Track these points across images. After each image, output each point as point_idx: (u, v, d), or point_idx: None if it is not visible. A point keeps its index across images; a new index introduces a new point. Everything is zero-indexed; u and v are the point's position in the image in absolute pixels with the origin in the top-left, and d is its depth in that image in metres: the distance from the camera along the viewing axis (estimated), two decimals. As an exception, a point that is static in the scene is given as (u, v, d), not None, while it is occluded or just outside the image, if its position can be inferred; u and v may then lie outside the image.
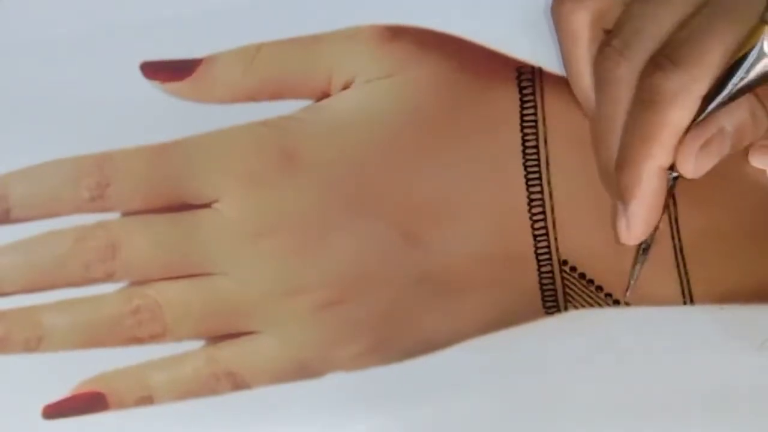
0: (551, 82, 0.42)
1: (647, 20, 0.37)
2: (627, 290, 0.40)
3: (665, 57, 0.36)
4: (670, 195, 0.39)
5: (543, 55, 0.42)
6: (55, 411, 0.40)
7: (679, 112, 0.36)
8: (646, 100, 0.36)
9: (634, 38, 0.37)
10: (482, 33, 0.43)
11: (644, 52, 0.37)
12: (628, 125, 0.37)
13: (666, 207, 0.39)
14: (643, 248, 0.40)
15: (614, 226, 0.39)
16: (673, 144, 0.37)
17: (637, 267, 0.40)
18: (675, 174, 0.38)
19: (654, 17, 0.37)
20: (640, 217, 0.38)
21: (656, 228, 0.39)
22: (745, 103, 0.36)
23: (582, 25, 0.39)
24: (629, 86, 0.37)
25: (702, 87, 0.36)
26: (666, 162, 0.37)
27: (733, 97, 0.36)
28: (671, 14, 0.37)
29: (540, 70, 0.43)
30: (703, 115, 0.36)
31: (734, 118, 0.36)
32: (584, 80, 0.40)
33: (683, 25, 0.36)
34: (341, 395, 0.39)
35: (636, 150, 0.37)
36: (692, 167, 0.37)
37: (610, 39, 0.38)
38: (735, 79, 0.36)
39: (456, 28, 0.43)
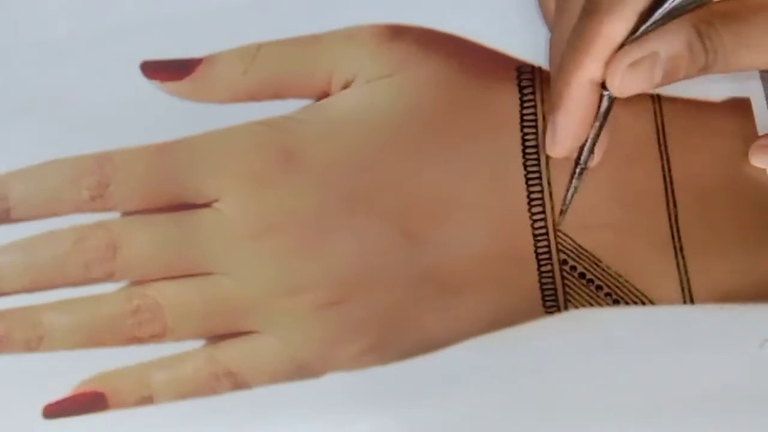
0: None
1: None
2: (560, 215, 0.40)
3: None
4: (605, 117, 0.38)
5: (543, 55, 0.42)
6: (55, 410, 0.40)
7: (614, 23, 0.36)
8: (586, 10, 0.37)
9: None
10: (482, 33, 0.43)
11: None
12: (569, 36, 0.37)
13: (601, 129, 0.38)
14: (578, 171, 0.40)
15: (542, 139, 0.39)
16: (604, 57, 0.36)
17: (570, 190, 0.40)
18: (609, 93, 0.37)
19: None
20: (566, 128, 0.38)
21: (591, 151, 0.39)
22: (683, 34, 0.36)
23: None
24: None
25: (639, 3, 0.36)
26: (596, 75, 0.37)
27: (668, 16, 0.36)
28: None
29: (540, 70, 0.43)
30: (638, 32, 0.36)
31: (669, 46, 0.36)
32: (550, 3, 0.40)
33: None
34: (341, 395, 0.39)
35: (569, 59, 0.37)
36: (618, 83, 0.36)
37: None
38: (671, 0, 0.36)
39: (456, 28, 0.43)
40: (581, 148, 0.39)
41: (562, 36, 0.38)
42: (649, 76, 0.36)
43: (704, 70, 0.36)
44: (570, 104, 0.37)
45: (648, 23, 0.36)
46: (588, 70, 0.37)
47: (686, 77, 0.37)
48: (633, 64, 0.36)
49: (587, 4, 0.37)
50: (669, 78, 0.36)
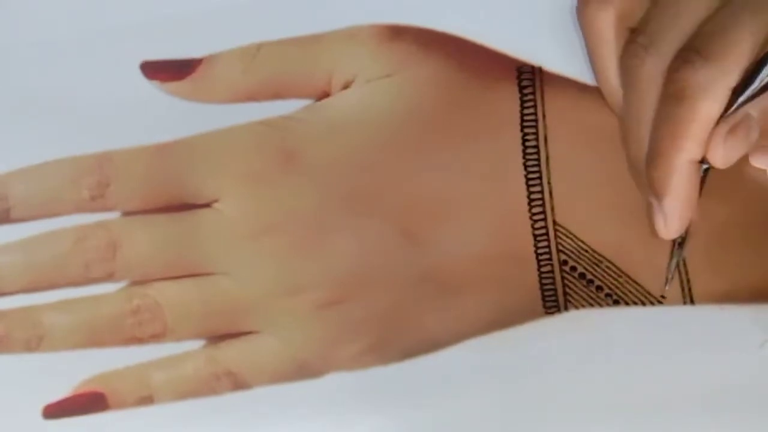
0: (551, 81, 0.42)
1: (672, 16, 0.37)
2: (665, 285, 0.40)
3: (693, 51, 0.36)
4: (702, 187, 0.38)
5: (543, 55, 0.42)
6: (55, 411, 0.40)
7: (709, 105, 0.36)
8: (675, 95, 0.36)
9: (660, 34, 0.37)
10: (482, 33, 0.43)
11: (670, 47, 0.37)
12: (658, 121, 0.37)
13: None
14: (679, 242, 0.39)
15: (650, 222, 0.38)
16: (703, 137, 0.36)
17: (673, 261, 0.40)
18: (706, 166, 0.37)
19: (679, 13, 0.37)
20: (675, 211, 0.38)
21: (690, 221, 0.39)
22: None
23: (607, 24, 0.39)
24: (656, 82, 0.37)
25: (731, 79, 0.36)
26: (697, 155, 0.37)
27: (763, 89, 0.36)
28: (696, 9, 0.37)
29: (540, 70, 0.43)
30: (734, 107, 0.36)
31: (759, 104, 0.36)
32: (611, 80, 0.40)
33: (709, 19, 0.36)
34: (341, 395, 0.39)
35: (667, 145, 0.37)
36: (721, 156, 0.37)
37: (635, 36, 0.38)
38: (765, 71, 0.36)
39: (456, 28, 0.43)
40: None
41: (641, 121, 0.38)
42: (746, 138, 0.36)
43: None
44: (676, 189, 0.37)
45: (743, 98, 0.36)
46: (689, 153, 0.37)
47: None
48: (730, 133, 0.36)
49: (674, 88, 0.36)
50: (765, 132, 0.37)
